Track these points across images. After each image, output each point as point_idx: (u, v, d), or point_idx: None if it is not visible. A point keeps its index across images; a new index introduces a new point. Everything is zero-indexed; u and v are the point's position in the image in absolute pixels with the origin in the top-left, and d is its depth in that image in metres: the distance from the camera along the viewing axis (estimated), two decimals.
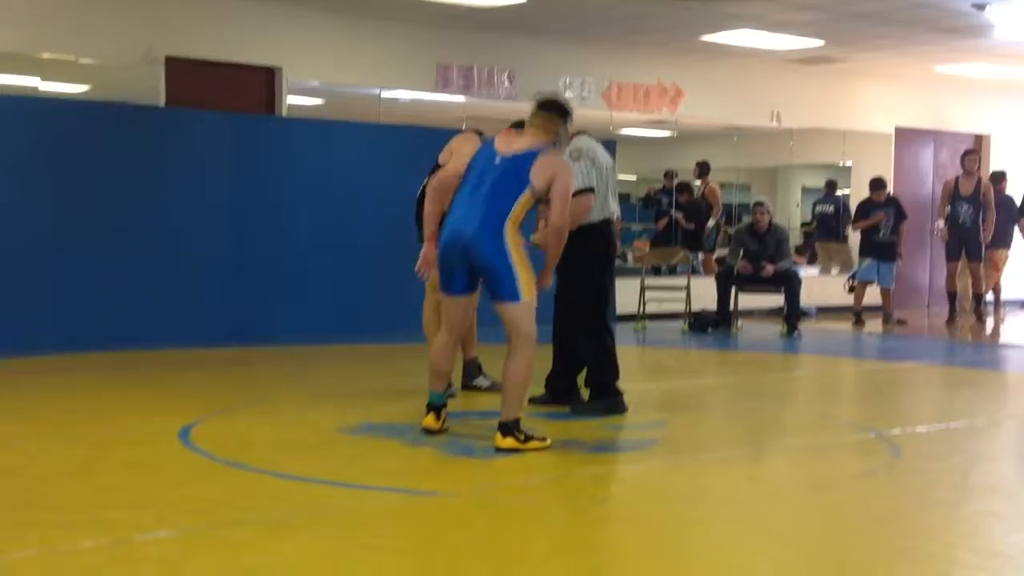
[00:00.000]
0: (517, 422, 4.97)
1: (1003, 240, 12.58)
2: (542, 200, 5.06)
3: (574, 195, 5.62)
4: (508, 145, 5.07)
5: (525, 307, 4.93)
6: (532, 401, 6.00)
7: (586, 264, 5.86)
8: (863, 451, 5.41)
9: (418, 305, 6.48)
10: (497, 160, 5.01)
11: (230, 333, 8.80)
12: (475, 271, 4.99)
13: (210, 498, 4.09)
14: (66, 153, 8.41)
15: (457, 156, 5.50)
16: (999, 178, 12.85)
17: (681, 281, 11.21)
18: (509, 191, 4.94)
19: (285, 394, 6.56)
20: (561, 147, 5.22)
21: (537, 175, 4.94)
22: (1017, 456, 5.54)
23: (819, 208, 14.13)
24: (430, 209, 5.33)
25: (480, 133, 5.96)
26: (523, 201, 4.95)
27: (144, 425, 5.47)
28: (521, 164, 4.96)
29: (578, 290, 5.88)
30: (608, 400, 5.93)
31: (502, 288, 4.91)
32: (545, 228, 5.80)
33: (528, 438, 4.95)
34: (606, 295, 6.01)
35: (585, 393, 6.06)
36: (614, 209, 5.97)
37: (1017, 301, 14.00)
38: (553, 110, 5.21)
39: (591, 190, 5.72)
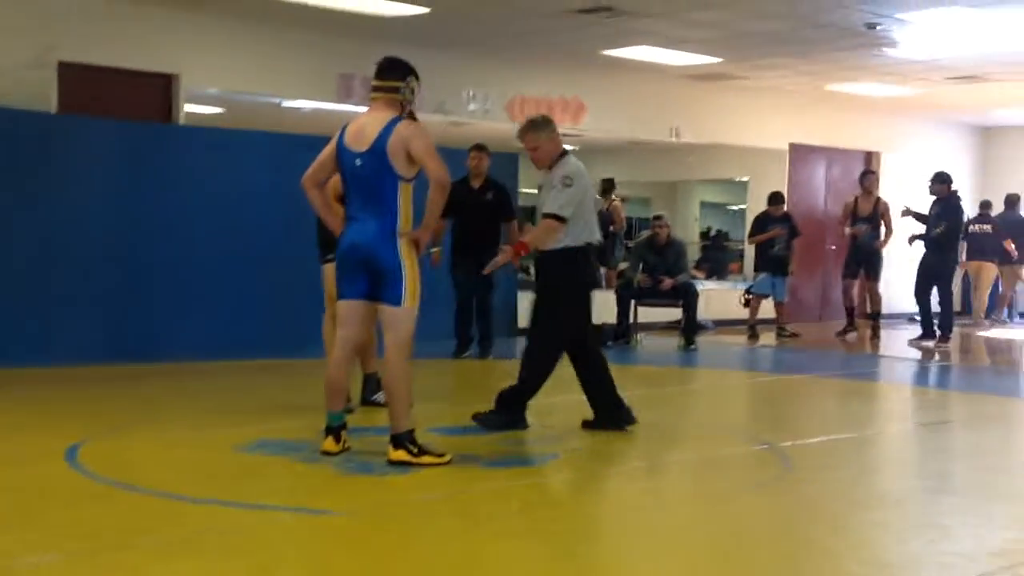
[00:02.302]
0: (409, 434, 4.95)
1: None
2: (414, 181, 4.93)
3: (545, 216, 5.63)
4: (358, 139, 4.94)
5: (405, 313, 4.93)
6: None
7: (567, 288, 5.94)
8: (756, 463, 5.51)
9: (317, 319, 6.41)
10: (358, 162, 4.93)
11: (123, 348, 8.56)
12: (373, 277, 4.95)
13: (97, 521, 3.98)
14: None
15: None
16: (1013, 200, 14.09)
17: None
18: (384, 190, 4.90)
19: (179, 412, 6.41)
20: (409, 105, 5.04)
21: (396, 160, 4.86)
22: (904, 466, 5.70)
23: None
24: (326, 221, 5.27)
25: None
26: (403, 193, 4.92)
27: (27, 445, 5.30)
28: (379, 157, 4.88)
29: (557, 312, 5.88)
30: (510, 414, 5.93)
31: (388, 291, 4.92)
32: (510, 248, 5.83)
33: (423, 452, 4.94)
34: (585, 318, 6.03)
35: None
36: (598, 236, 6.05)
37: (905, 314, 14.43)
38: (392, 74, 5.05)
39: (564, 220, 5.72)
